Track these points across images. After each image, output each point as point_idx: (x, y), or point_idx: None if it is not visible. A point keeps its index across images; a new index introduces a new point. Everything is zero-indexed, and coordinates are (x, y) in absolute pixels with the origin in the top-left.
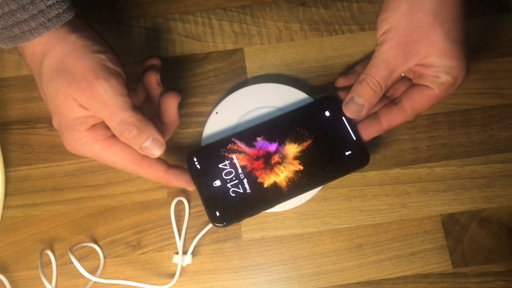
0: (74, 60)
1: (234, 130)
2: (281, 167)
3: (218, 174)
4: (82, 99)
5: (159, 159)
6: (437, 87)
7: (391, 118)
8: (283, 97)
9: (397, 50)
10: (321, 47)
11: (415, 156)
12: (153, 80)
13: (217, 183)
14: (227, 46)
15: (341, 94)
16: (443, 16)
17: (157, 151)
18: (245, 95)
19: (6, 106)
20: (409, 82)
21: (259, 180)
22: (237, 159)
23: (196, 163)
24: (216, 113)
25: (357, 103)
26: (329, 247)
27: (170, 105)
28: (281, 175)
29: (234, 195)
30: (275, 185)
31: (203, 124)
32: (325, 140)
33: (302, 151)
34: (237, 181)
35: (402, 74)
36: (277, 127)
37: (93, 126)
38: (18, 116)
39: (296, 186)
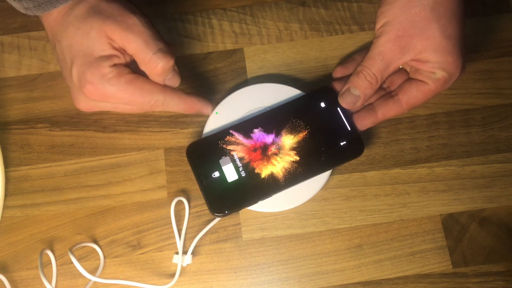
0: (108, 3)
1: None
2: (278, 158)
3: (217, 165)
4: (118, 31)
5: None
6: (432, 83)
7: (387, 111)
8: (283, 97)
9: (393, 44)
10: (321, 47)
11: (415, 156)
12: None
13: (216, 174)
14: (227, 46)
15: (337, 84)
16: (440, 12)
17: (177, 81)
18: (245, 95)
19: (6, 106)
20: (405, 75)
21: (257, 170)
22: (235, 150)
23: (196, 155)
24: (216, 113)
25: (353, 94)
26: (329, 247)
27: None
28: (277, 166)
29: (232, 185)
30: (272, 176)
31: (203, 124)
32: (320, 131)
33: (298, 142)
34: (235, 172)
35: (400, 66)
36: (274, 118)
37: (116, 64)
38: (18, 116)
39: (293, 176)
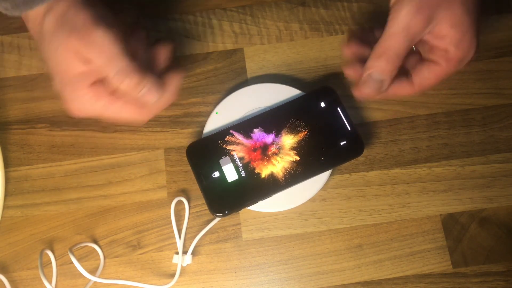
0: (75, 12)
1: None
2: (278, 158)
3: (217, 165)
4: (82, 47)
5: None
6: (445, 63)
7: (398, 90)
8: (283, 97)
9: (417, 16)
10: (321, 47)
11: (415, 156)
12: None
13: (216, 174)
14: (227, 46)
15: (350, 68)
16: None
17: (153, 98)
18: (245, 95)
19: (6, 106)
20: (417, 55)
21: (257, 170)
22: (235, 150)
23: (196, 155)
24: (216, 113)
25: (377, 80)
26: (329, 247)
27: (175, 81)
28: (277, 166)
29: (232, 185)
30: (272, 175)
31: (203, 124)
32: (320, 131)
33: (298, 142)
34: (235, 172)
35: (413, 47)
36: (274, 118)
37: (95, 83)
38: (18, 116)
39: (293, 176)
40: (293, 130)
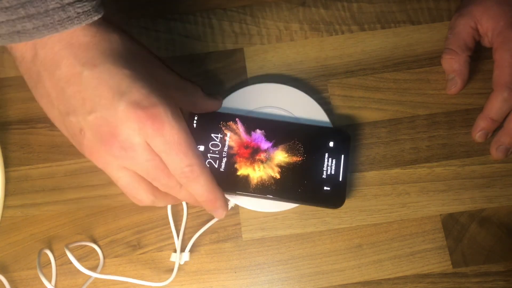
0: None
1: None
2: (261, 166)
3: (205, 141)
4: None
5: None
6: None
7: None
8: (283, 97)
9: None
10: (321, 47)
11: (415, 156)
12: None
13: (201, 148)
14: (227, 46)
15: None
16: None
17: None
18: (245, 95)
19: (6, 106)
20: None
21: (236, 165)
22: (229, 137)
23: (194, 121)
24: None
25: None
26: (329, 247)
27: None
28: (256, 172)
29: (208, 166)
30: (246, 178)
31: None
32: (313, 165)
33: (287, 163)
34: (217, 156)
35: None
36: (280, 130)
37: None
38: (18, 116)
39: (263, 188)
40: (290, 150)
